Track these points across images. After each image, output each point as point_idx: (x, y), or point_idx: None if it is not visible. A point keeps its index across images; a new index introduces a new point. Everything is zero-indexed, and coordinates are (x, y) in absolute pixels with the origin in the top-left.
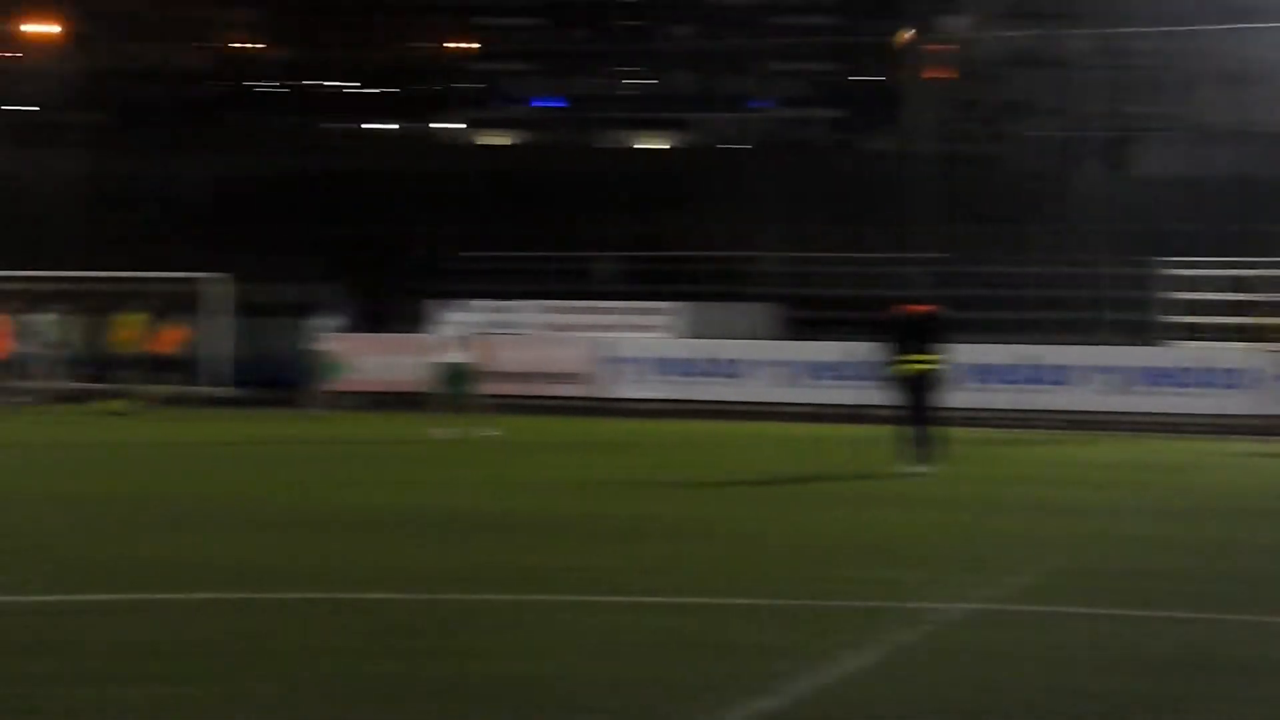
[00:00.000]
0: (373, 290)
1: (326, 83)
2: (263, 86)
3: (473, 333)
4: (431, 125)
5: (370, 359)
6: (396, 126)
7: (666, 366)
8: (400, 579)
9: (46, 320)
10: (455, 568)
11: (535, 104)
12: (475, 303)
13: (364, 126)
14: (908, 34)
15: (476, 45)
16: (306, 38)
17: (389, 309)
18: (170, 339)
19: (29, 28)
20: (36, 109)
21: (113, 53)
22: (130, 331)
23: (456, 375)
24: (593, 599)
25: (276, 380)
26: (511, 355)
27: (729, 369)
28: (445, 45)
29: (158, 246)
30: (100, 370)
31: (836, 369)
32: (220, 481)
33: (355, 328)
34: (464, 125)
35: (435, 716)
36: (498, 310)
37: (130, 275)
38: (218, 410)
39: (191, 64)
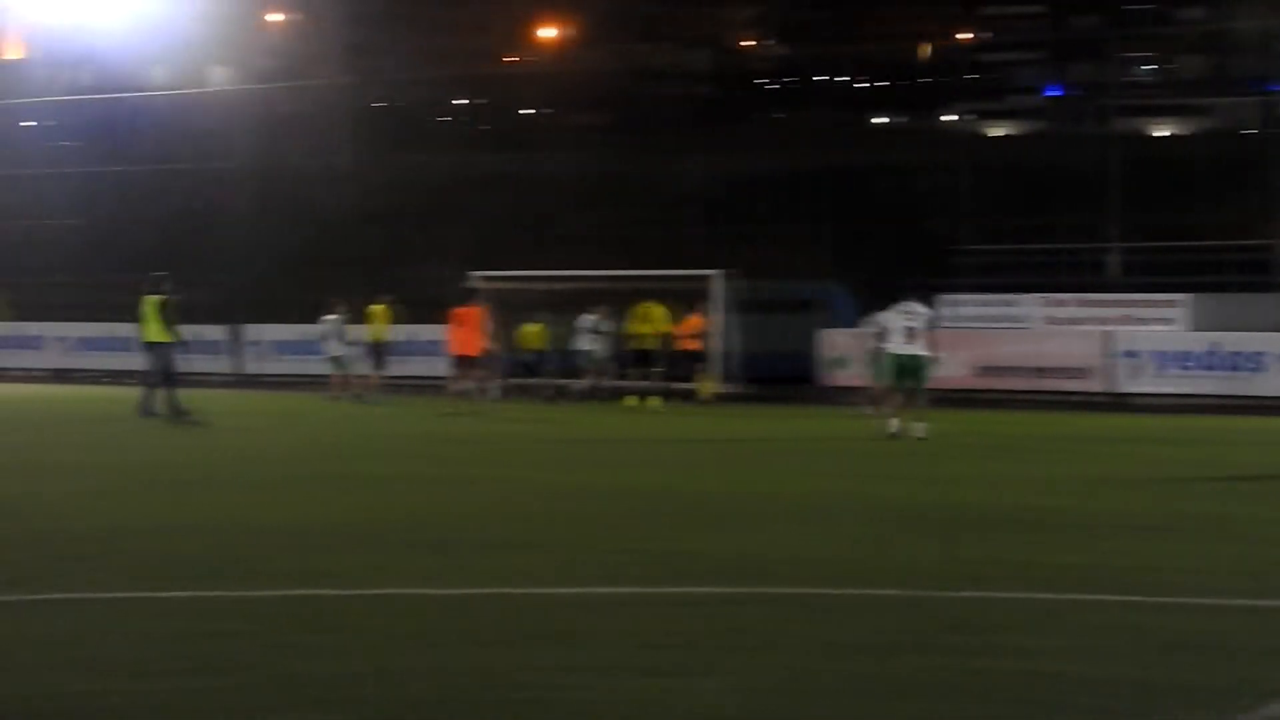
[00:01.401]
0: (885, 287)
1: (831, 78)
2: (767, 83)
3: (924, 325)
4: (937, 118)
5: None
6: (903, 120)
7: (1179, 360)
8: (911, 575)
9: (562, 320)
10: (966, 562)
11: (1043, 93)
12: (933, 296)
13: (869, 120)
14: None
15: (982, 35)
16: (809, 34)
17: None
18: (695, 334)
19: (536, 32)
20: (547, 111)
21: (617, 54)
22: (654, 327)
23: (907, 369)
24: (1107, 598)
25: (786, 376)
26: (1013, 350)
27: (1245, 362)
28: (949, 37)
29: (663, 244)
30: (622, 367)
31: None
32: (747, 477)
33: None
34: (971, 116)
35: (957, 715)
36: (993, 303)
37: (639, 274)
38: (729, 406)
39: (695, 63)
